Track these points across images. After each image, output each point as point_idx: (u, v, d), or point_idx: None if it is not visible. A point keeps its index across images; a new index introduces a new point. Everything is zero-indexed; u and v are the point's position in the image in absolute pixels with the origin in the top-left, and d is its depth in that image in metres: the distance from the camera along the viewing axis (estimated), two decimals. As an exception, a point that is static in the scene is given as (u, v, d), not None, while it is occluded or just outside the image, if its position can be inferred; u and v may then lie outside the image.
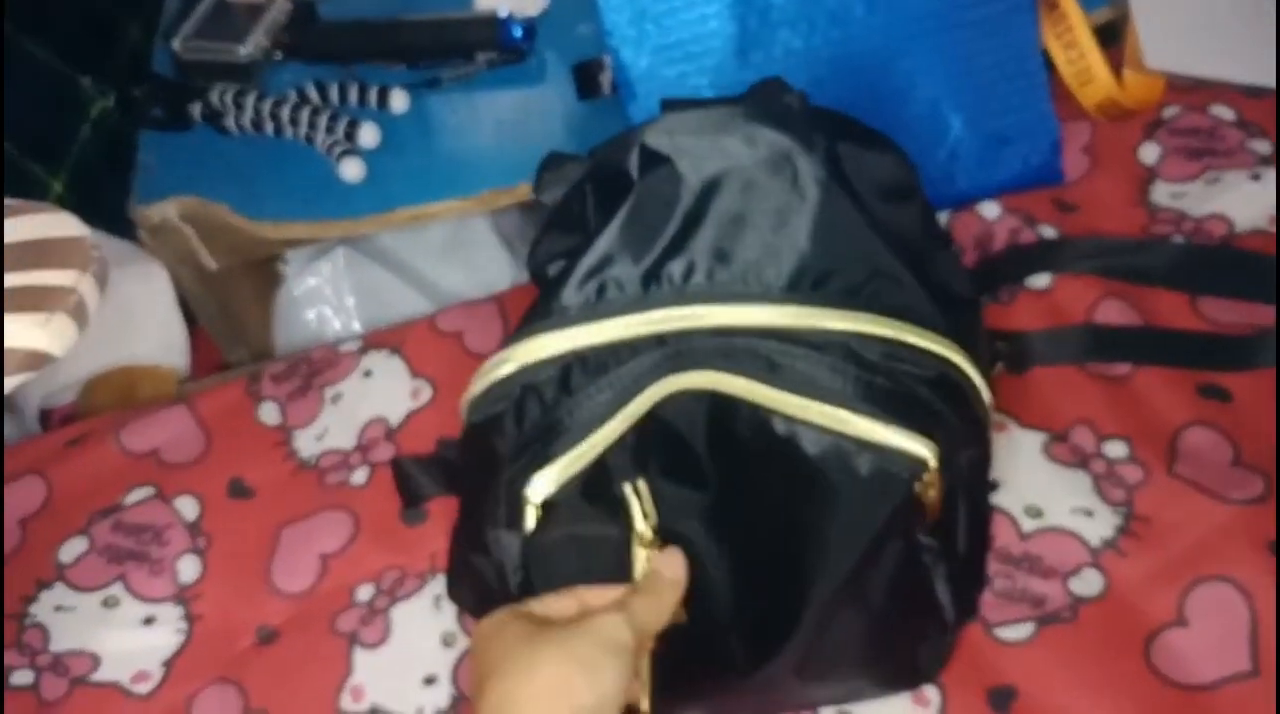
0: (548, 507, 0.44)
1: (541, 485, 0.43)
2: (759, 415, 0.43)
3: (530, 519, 0.44)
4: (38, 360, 0.41)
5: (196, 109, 0.76)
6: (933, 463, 0.43)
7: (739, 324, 0.44)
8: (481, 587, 0.48)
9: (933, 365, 0.45)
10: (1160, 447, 0.55)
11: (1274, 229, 0.63)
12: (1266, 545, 0.51)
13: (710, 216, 0.45)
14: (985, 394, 0.48)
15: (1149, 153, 0.67)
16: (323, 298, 0.82)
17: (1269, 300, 0.59)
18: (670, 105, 0.48)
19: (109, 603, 0.59)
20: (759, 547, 0.45)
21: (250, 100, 0.75)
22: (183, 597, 0.59)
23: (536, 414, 0.45)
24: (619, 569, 0.43)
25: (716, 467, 0.44)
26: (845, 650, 0.46)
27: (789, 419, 0.43)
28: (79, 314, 0.42)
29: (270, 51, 0.79)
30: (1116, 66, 0.68)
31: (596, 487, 0.44)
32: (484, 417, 0.47)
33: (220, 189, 0.73)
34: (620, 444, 0.44)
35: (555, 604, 0.43)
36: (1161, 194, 0.65)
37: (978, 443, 0.48)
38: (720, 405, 0.44)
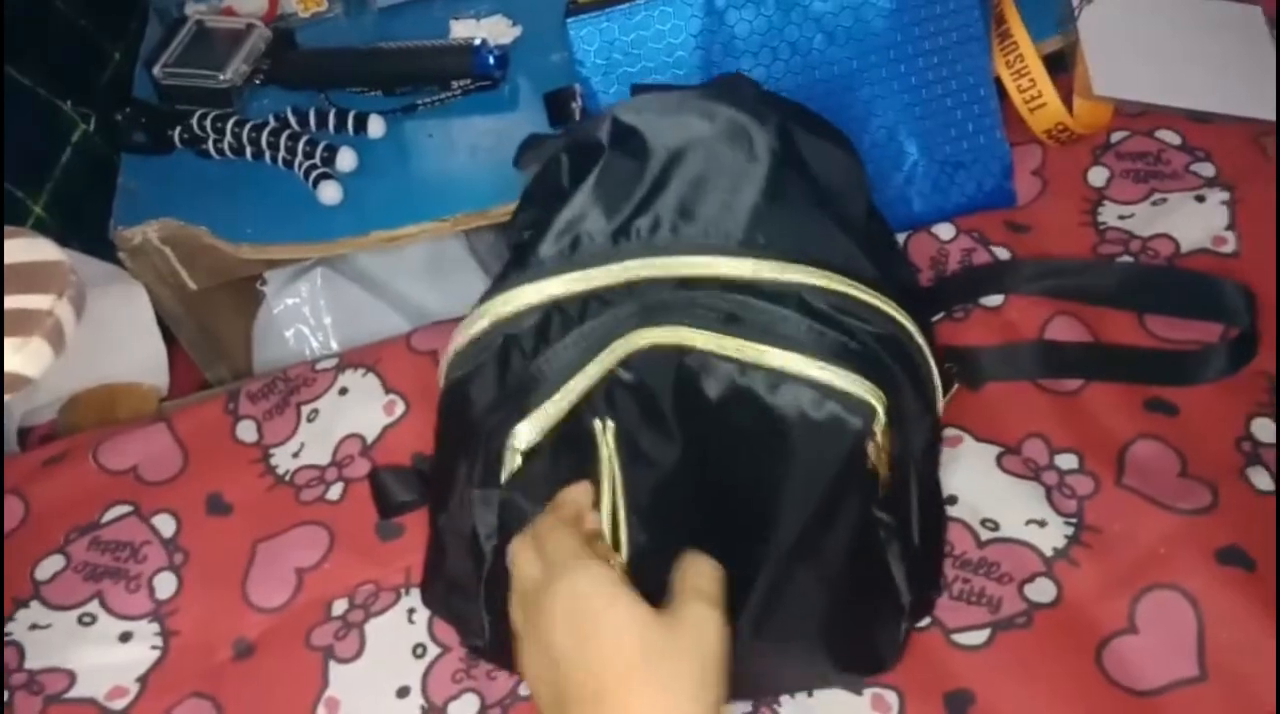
0: (525, 458, 0.45)
1: (524, 433, 0.45)
2: (722, 368, 0.45)
3: (507, 473, 0.45)
4: (15, 383, 0.42)
5: (177, 133, 0.78)
6: (882, 413, 0.45)
7: (701, 274, 0.47)
8: (454, 576, 0.50)
9: (880, 323, 0.48)
10: (1109, 459, 0.57)
11: (1218, 248, 0.65)
12: (1213, 554, 0.53)
13: (674, 179, 0.49)
14: (932, 362, 0.50)
15: (1097, 176, 0.70)
16: (301, 317, 0.84)
17: (1212, 318, 0.61)
18: (638, 89, 0.52)
19: (85, 620, 0.60)
20: (722, 500, 0.47)
21: (230, 125, 0.76)
22: (159, 613, 0.60)
23: (518, 364, 0.48)
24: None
25: (681, 421, 0.46)
26: (803, 616, 0.48)
27: (747, 367, 0.45)
28: (55, 337, 0.43)
29: (250, 77, 0.81)
30: (1066, 93, 0.71)
31: (570, 438, 0.45)
32: (466, 370, 0.49)
33: (200, 212, 0.75)
34: (590, 397, 0.45)
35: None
36: (1110, 215, 0.68)
37: (927, 414, 0.50)
38: (686, 361, 0.46)
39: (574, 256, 0.48)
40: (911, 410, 0.48)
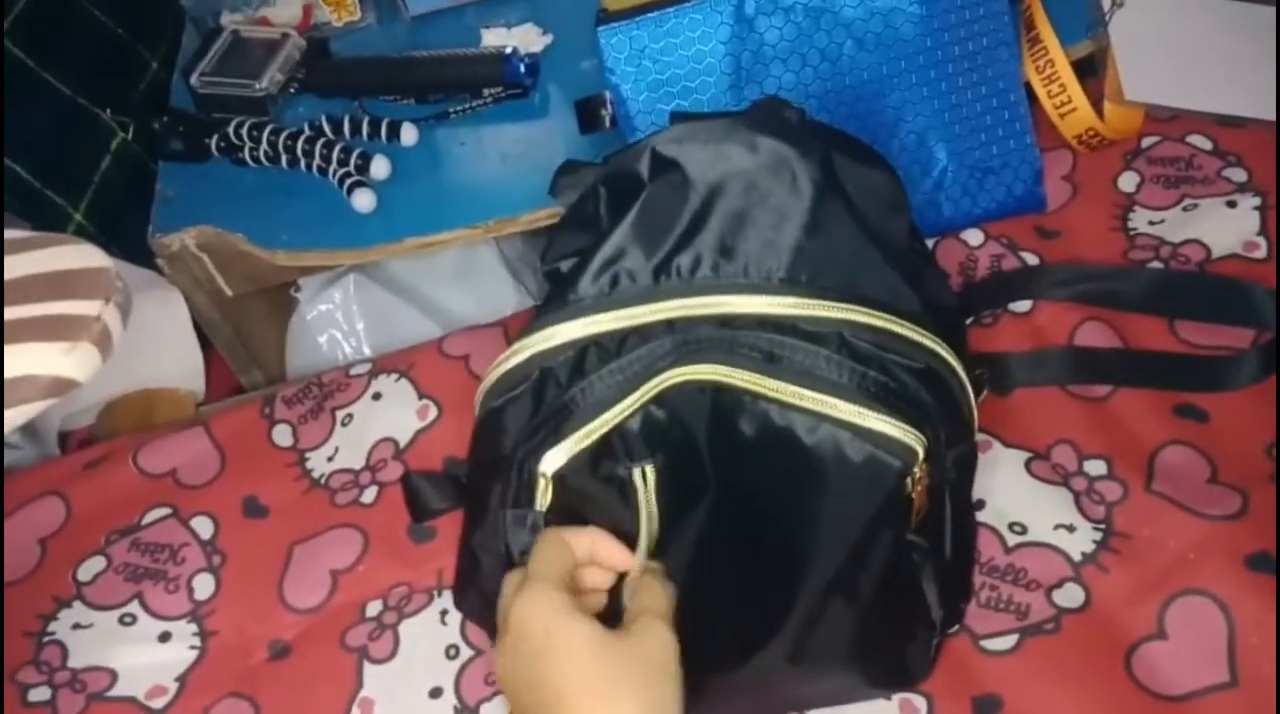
0: (557, 481, 0.46)
1: (553, 460, 0.45)
2: (759, 406, 0.46)
3: (541, 496, 0.46)
4: (62, 387, 0.43)
5: (214, 141, 0.79)
6: (921, 454, 0.45)
7: (741, 312, 0.47)
8: (487, 590, 0.51)
9: (920, 358, 0.48)
10: (1139, 465, 0.57)
11: (1249, 254, 0.65)
12: (1243, 560, 0.53)
13: (715, 215, 0.48)
14: (970, 395, 0.50)
15: (1128, 181, 0.70)
16: (334, 322, 0.85)
17: (1242, 323, 0.61)
18: (678, 117, 0.52)
19: (126, 620, 0.62)
20: (756, 536, 0.47)
21: (265, 133, 0.78)
22: (197, 613, 0.61)
23: (552, 395, 0.48)
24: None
25: (717, 458, 0.47)
26: (836, 642, 0.48)
27: (786, 408, 0.45)
28: (103, 342, 0.44)
29: (285, 86, 0.82)
30: (1096, 98, 0.71)
31: (603, 466, 0.46)
32: (501, 401, 0.49)
33: (236, 219, 0.76)
34: (626, 427, 0.46)
35: (586, 575, 0.45)
36: (1140, 221, 0.68)
37: (963, 442, 0.50)
38: (723, 399, 0.46)
39: (613, 295, 0.48)
40: (948, 433, 0.48)
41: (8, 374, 0.41)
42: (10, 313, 0.43)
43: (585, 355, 0.47)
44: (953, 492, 0.49)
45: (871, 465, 0.45)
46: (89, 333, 0.43)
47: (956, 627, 0.54)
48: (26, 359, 0.42)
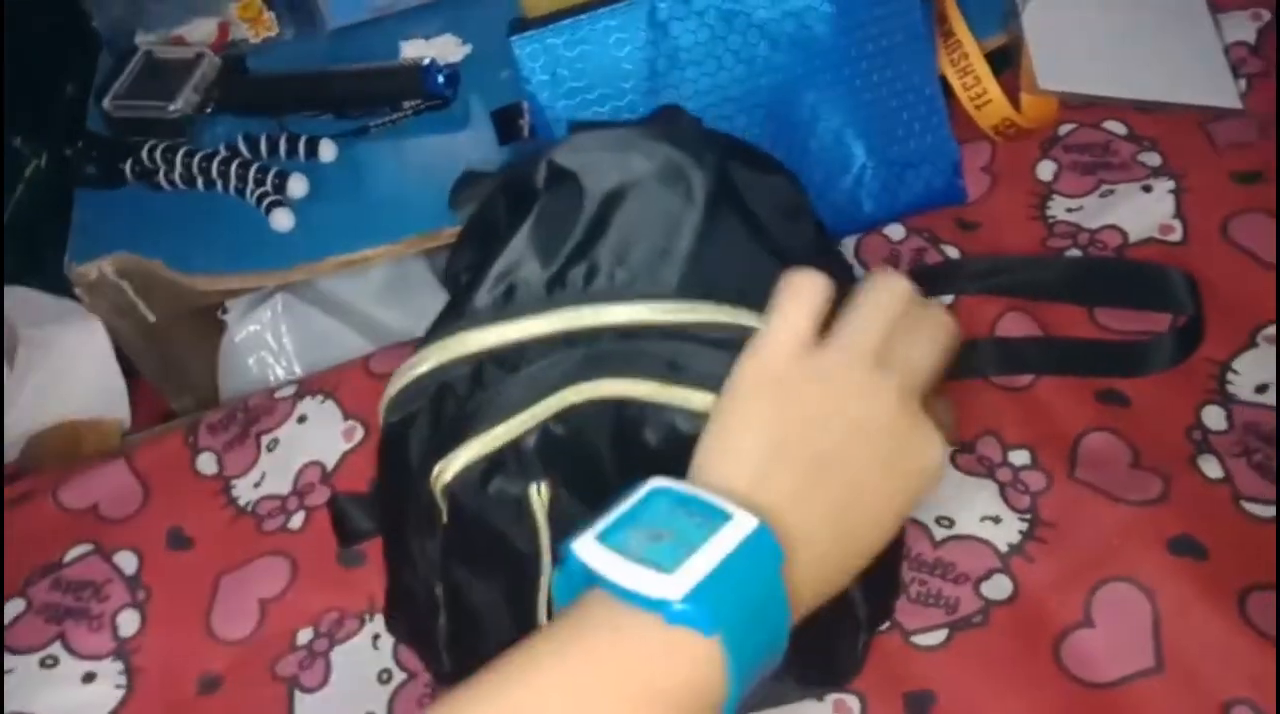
0: (451, 499, 0.45)
1: (447, 470, 0.45)
2: (663, 416, 0.45)
3: (442, 515, 0.45)
4: None
5: (128, 166, 0.77)
6: None
7: (638, 321, 0.46)
8: (414, 610, 0.50)
9: None
10: (1062, 453, 0.58)
11: (1165, 237, 0.66)
12: (1165, 544, 0.54)
13: (611, 224, 0.48)
14: None
15: (1045, 169, 0.70)
16: (263, 344, 0.83)
17: (1159, 307, 0.62)
18: (578, 127, 0.51)
19: (47, 662, 0.60)
20: None
21: (180, 156, 0.76)
22: (123, 651, 0.60)
23: (452, 410, 0.47)
24: (525, 580, 0.45)
25: (624, 473, 0.46)
26: None
27: (692, 415, 0.44)
28: None
29: (201, 106, 0.81)
30: (1013, 89, 0.71)
31: (494, 483, 0.45)
32: (401, 416, 0.49)
33: (154, 244, 0.75)
34: (522, 444, 0.45)
35: None
36: (1058, 208, 0.68)
37: None
38: (626, 411, 0.45)
39: (509, 306, 0.47)
40: None
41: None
42: None
43: (483, 369, 0.47)
44: None
45: None
46: None
47: (887, 624, 0.54)
48: None
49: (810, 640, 0.49)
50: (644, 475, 0.46)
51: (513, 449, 0.44)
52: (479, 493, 0.45)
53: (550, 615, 0.47)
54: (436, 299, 0.88)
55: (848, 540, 0.37)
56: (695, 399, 0.44)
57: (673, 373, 0.44)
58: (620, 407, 0.45)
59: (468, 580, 0.48)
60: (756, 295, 0.46)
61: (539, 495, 0.45)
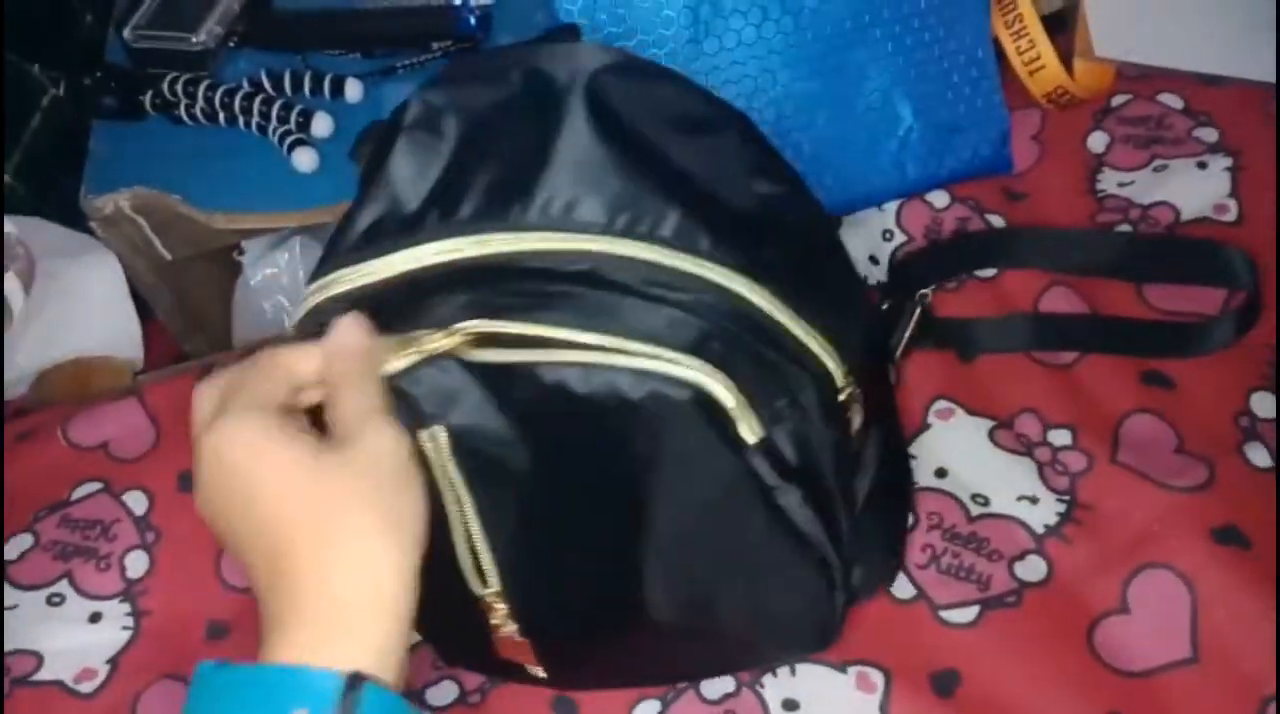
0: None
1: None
2: (529, 371, 0.42)
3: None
4: None
5: (148, 98, 0.75)
6: (723, 388, 0.41)
7: (502, 251, 0.43)
8: None
9: (712, 294, 0.43)
10: (1104, 435, 0.56)
11: (1219, 217, 0.63)
12: (1209, 532, 0.52)
13: (472, 154, 0.45)
14: (788, 323, 0.44)
15: (1097, 141, 0.67)
16: (280, 288, 0.82)
17: (1214, 283, 0.59)
18: (455, 59, 0.48)
19: (54, 600, 0.59)
20: (586, 500, 0.45)
21: (202, 90, 0.74)
22: (130, 593, 0.59)
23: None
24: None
25: (513, 425, 0.43)
26: (714, 598, 0.46)
27: (554, 365, 0.42)
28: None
29: (224, 39, 0.78)
30: (1066, 55, 0.69)
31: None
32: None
33: (173, 180, 0.73)
34: (402, 390, 0.42)
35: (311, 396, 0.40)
36: (1109, 182, 0.66)
37: (813, 383, 0.44)
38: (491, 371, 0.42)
39: (371, 246, 0.44)
40: (785, 374, 0.43)
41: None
42: None
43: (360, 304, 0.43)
44: (827, 440, 0.44)
45: (658, 403, 0.41)
46: None
47: (914, 592, 0.52)
48: None
49: (778, 600, 0.47)
50: (536, 427, 0.43)
51: (397, 396, 0.41)
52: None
53: (480, 565, 0.45)
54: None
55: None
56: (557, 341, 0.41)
57: (541, 311, 0.42)
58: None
59: None
60: (627, 216, 0.43)
61: (435, 443, 0.42)
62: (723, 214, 0.44)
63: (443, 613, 0.44)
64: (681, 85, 0.47)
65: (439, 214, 0.44)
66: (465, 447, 0.43)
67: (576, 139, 0.44)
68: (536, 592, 0.47)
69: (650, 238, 0.43)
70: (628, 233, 0.43)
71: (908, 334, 0.58)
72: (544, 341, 0.42)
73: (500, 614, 0.47)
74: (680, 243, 0.43)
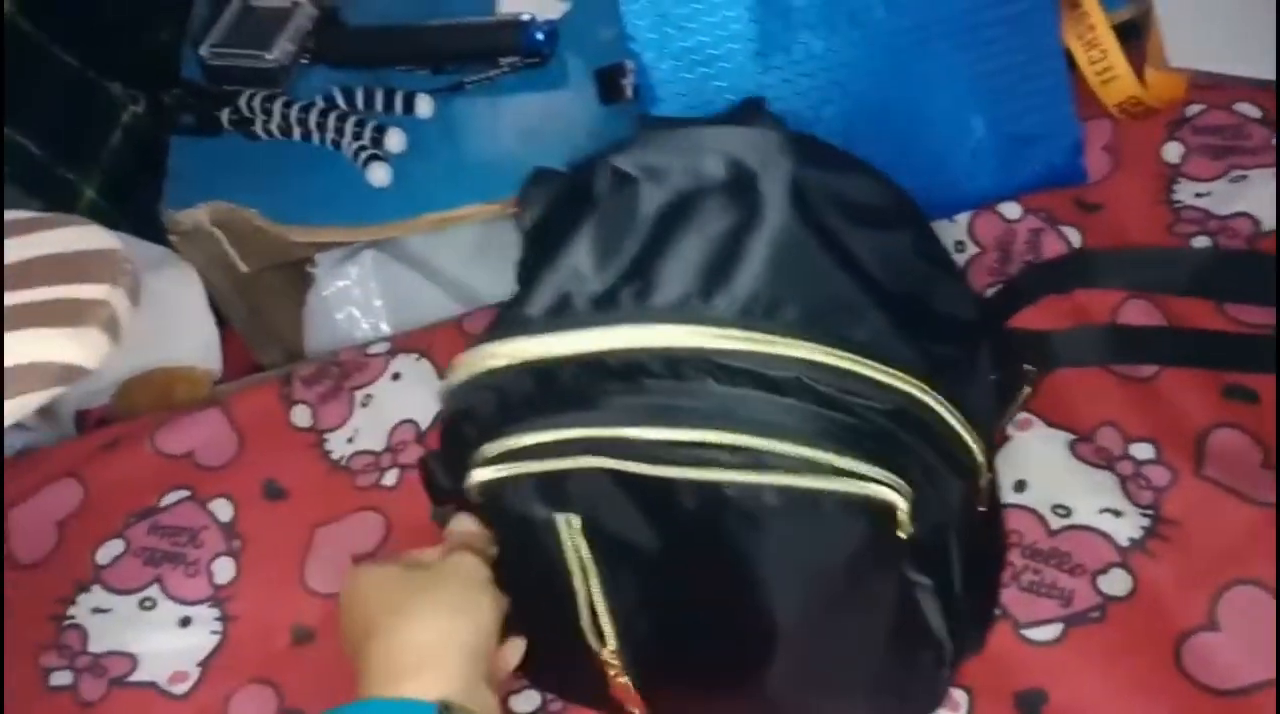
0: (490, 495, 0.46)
1: (479, 474, 0.46)
2: (684, 485, 0.43)
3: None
4: (71, 374, 0.41)
5: (225, 115, 0.77)
6: (902, 494, 0.42)
7: (690, 346, 0.43)
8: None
9: (888, 398, 0.43)
10: (1188, 448, 0.55)
11: (1301, 228, 0.62)
12: (1296, 547, 0.51)
13: (670, 239, 0.45)
14: (958, 426, 0.45)
15: (1172, 151, 0.67)
16: (351, 299, 0.83)
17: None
18: (646, 122, 0.49)
19: (146, 604, 0.61)
20: (716, 587, 0.45)
21: (278, 106, 0.76)
22: (218, 598, 0.60)
23: (489, 416, 0.46)
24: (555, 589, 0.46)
25: (655, 525, 0.44)
26: (838, 675, 0.47)
27: (713, 484, 0.42)
28: (111, 327, 0.42)
29: (296, 57, 0.80)
30: (1138, 64, 0.68)
31: (538, 504, 0.45)
32: (456, 408, 0.48)
33: (250, 194, 0.74)
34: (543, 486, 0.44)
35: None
36: (1185, 193, 0.65)
37: (960, 477, 0.45)
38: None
39: (560, 319, 0.45)
40: (941, 473, 0.44)
41: (13, 361, 0.40)
42: (15, 297, 0.41)
43: (532, 376, 0.45)
44: (956, 524, 0.45)
45: (844, 511, 0.42)
46: (97, 318, 0.41)
47: (998, 612, 0.52)
48: (33, 346, 0.40)
49: (892, 677, 0.47)
50: (680, 528, 0.44)
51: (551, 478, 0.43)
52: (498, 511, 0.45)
53: (599, 628, 0.47)
54: (523, 261, 0.87)
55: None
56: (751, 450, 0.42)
57: (727, 421, 0.42)
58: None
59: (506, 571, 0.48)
60: (825, 318, 0.43)
61: (568, 526, 0.44)
62: (903, 312, 0.44)
63: (565, 662, 0.48)
64: (872, 177, 0.48)
65: (633, 295, 0.44)
66: (597, 528, 0.44)
67: (776, 236, 0.44)
68: (652, 654, 0.48)
69: (846, 344, 0.43)
70: (826, 339, 0.42)
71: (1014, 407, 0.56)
72: (709, 459, 0.42)
73: (616, 668, 0.48)
74: (873, 350, 0.43)
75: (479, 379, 0.46)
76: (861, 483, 0.41)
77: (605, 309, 0.44)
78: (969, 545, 0.46)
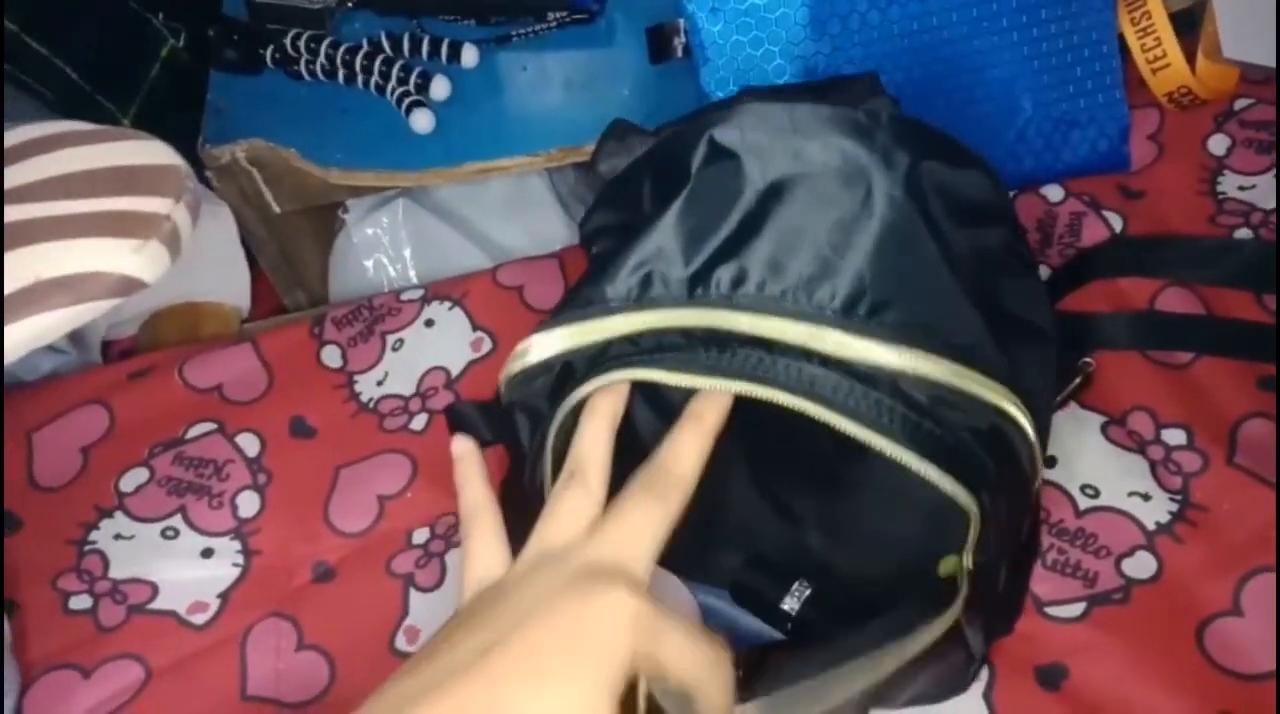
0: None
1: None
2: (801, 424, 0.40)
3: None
4: (130, 286, 0.41)
5: (269, 53, 0.77)
6: (974, 517, 0.40)
7: (782, 340, 0.41)
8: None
9: (983, 415, 0.41)
10: (1220, 436, 0.55)
11: (1345, 227, 0.62)
12: (1324, 540, 0.51)
13: (770, 224, 0.42)
14: (1038, 452, 0.44)
15: (1218, 144, 0.67)
16: (380, 247, 0.83)
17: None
18: (749, 94, 0.46)
19: (168, 534, 0.61)
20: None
21: (323, 47, 0.75)
22: (241, 531, 0.61)
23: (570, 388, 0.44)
24: None
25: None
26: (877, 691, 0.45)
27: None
28: (172, 242, 0.42)
29: (342, 0, 0.79)
30: (1191, 55, 0.68)
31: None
32: (521, 395, 0.46)
33: (289, 134, 0.74)
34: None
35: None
36: (1229, 185, 0.65)
37: (1018, 498, 0.44)
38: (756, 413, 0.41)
39: (644, 299, 0.42)
40: (1005, 494, 0.42)
41: (74, 269, 0.40)
42: (77, 206, 0.41)
43: (608, 350, 0.43)
44: (1005, 543, 0.44)
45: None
46: (159, 232, 0.41)
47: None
48: (94, 255, 0.40)
49: (919, 676, 0.47)
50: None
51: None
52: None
53: None
54: (554, 218, 0.87)
55: None
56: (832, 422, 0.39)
57: (812, 393, 0.40)
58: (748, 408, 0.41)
59: None
60: (929, 323, 0.41)
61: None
62: (996, 317, 0.42)
63: None
64: (983, 171, 0.45)
65: (729, 281, 0.41)
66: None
67: (886, 232, 0.41)
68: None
69: (948, 352, 0.41)
70: (928, 345, 0.40)
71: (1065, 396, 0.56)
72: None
73: None
74: (972, 359, 0.41)
75: (565, 355, 0.44)
76: (939, 490, 0.40)
77: (694, 295, 0.42)
78: (1014, 562, 0.46)
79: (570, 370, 0.44)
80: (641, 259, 0.43)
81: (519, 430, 0.47)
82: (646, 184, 0.46)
